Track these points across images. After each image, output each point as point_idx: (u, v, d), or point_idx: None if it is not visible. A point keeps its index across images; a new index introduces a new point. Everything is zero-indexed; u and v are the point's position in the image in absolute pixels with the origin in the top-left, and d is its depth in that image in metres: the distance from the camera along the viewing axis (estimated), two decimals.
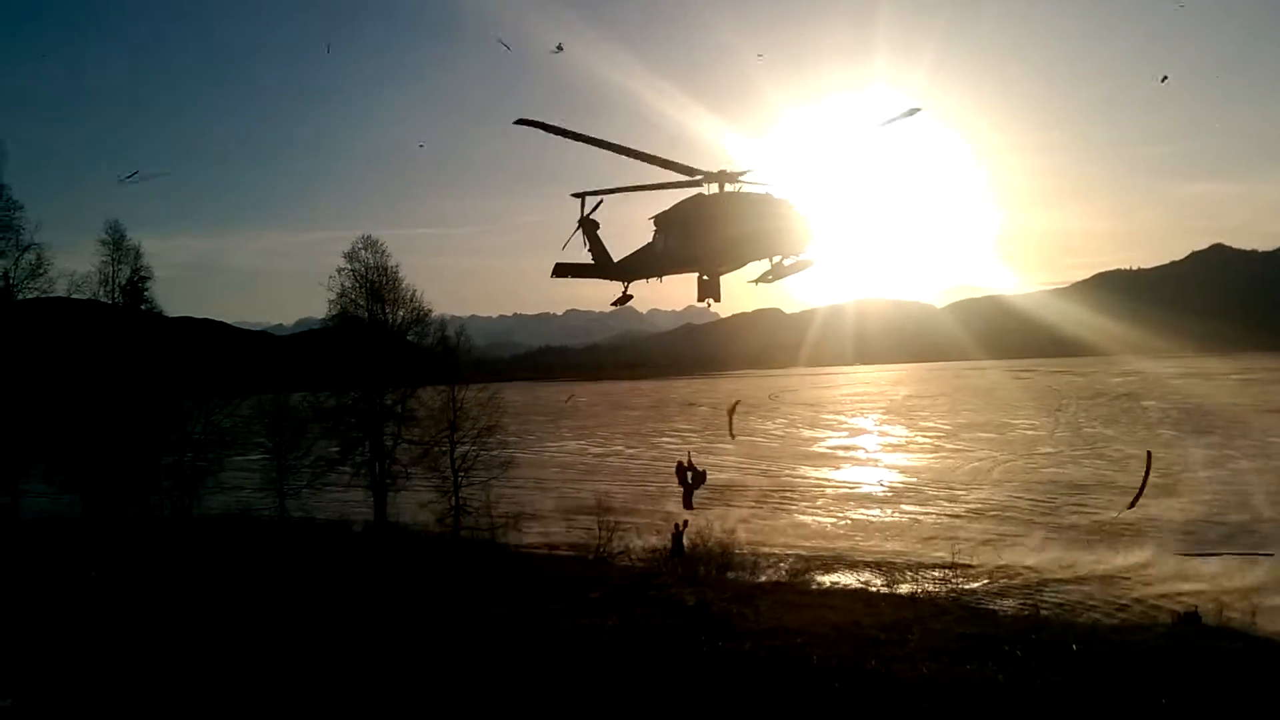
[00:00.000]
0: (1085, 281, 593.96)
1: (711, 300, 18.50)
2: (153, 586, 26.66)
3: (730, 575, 36.57)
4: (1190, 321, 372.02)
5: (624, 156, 16.73)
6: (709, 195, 17.73)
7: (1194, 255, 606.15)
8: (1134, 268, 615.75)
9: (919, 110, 15.94)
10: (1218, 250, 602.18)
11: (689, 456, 36.33)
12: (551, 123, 16.17)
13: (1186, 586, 36.54)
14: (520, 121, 15.97)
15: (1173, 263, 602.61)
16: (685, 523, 37.13)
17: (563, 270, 20.02)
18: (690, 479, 34.94)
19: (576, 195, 18.90)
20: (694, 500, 31.79)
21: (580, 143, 16.57)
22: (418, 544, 40.41)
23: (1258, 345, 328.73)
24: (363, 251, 47.51)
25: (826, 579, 38.98)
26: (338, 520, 47.89)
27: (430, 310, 49.33)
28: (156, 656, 18.82)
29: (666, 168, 17.25)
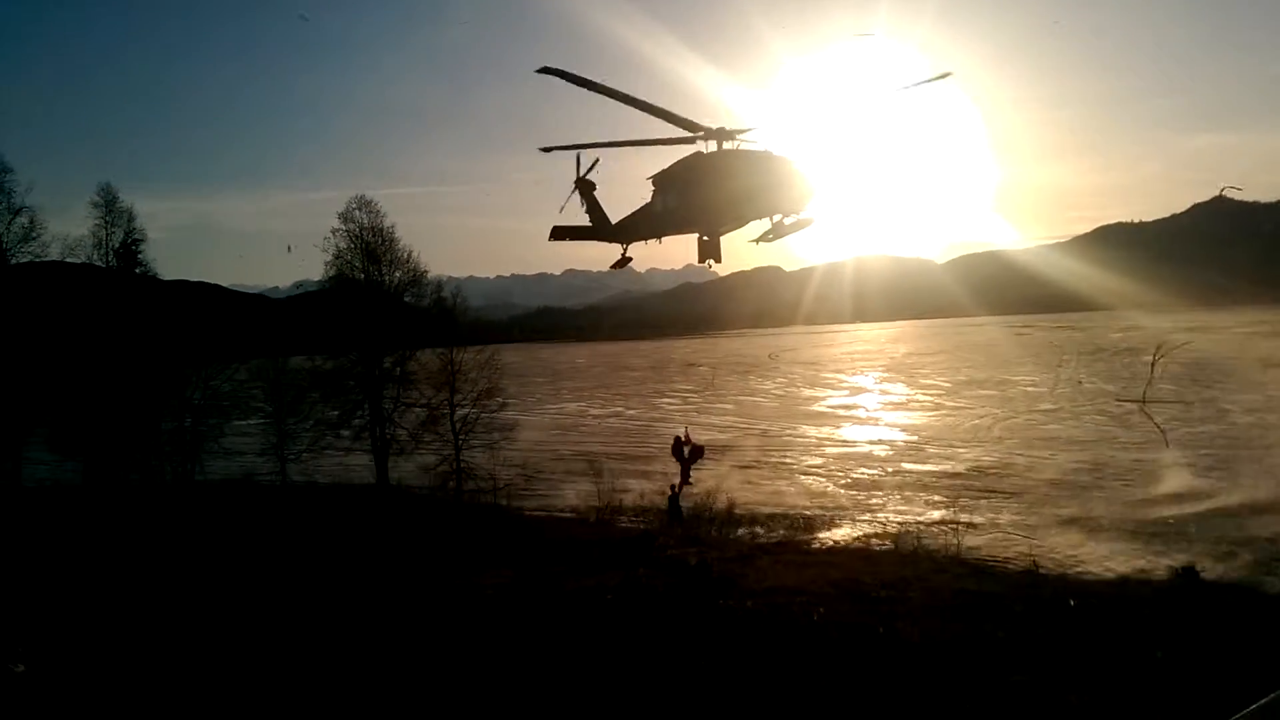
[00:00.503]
0: (1086, 235, 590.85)
1: (712, 261, 18.24)
2: (157, 553, 26.78)
3: (732, 535, 36.73)
4: (1192, 274, 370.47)
5: (627, 108, 16.36)
6: (708, 154, 17.38)
7: (1196, 207, 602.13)
8: (1135, 220, 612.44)
9: (949, 75, 15.61)
10: (1220, 202, 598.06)
11: (686, 431, 36.23)
12: (578, 74, 15.86)
13: (1188, 542, 36.71)
14: (543, 70, 15.53)
15: (1174, 215, 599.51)
16: (683, 485, 36.93)
17: (560, 233, 19.76)
18: (687, 454, 34.90)
19: (545, 150, 18.22)
20: (694, 467, 31.67)
21: (597, 93, 16.20)
22: (420, 507, 40.60)
23: (1260, 298, 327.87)
24: (357, 212, 47.19)
25: (828, 537, 39.10)
26: (339, 484, 48.06)
27: (427, 271, 49.18)
28: (161, 624, 18.93)
29: (671, 121, 16.86)
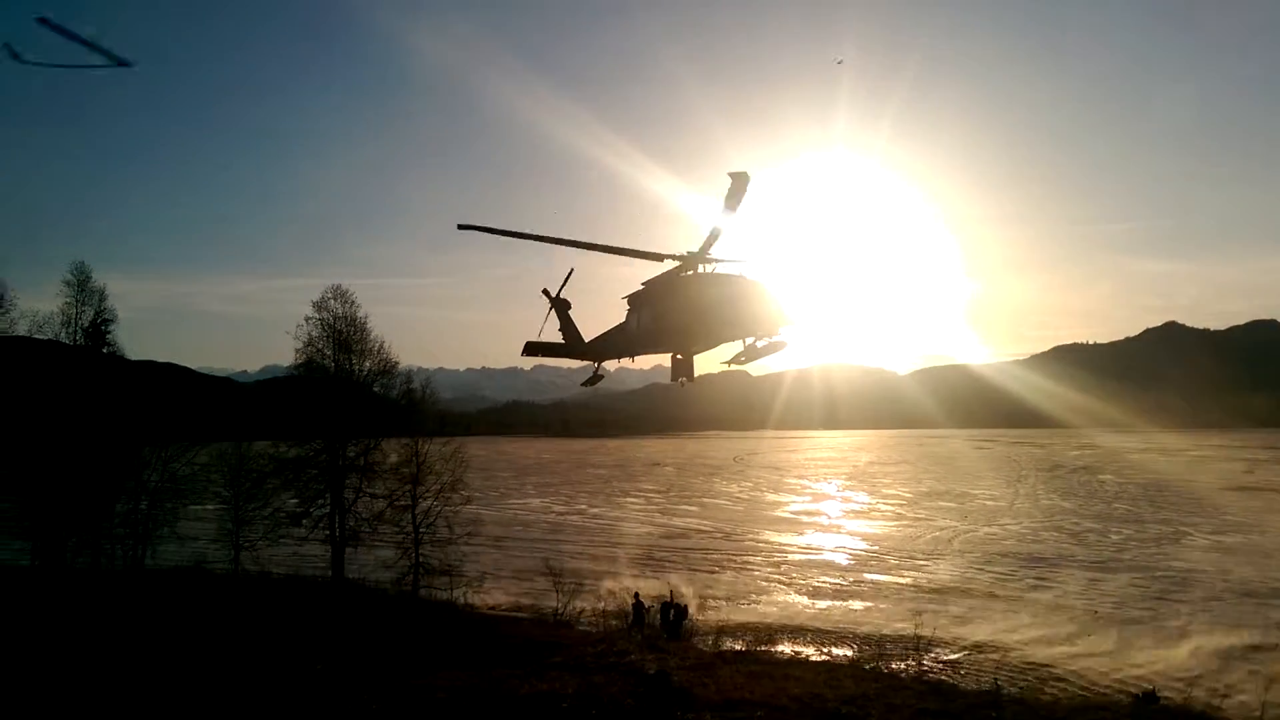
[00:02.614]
0: (1045, 353, 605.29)
1: (685, 380, 18.33)
2: (100, 643, 25.86)
3: (693, 642, 36.21)
4: (1146, 396, 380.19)
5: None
6: (682, 276, 17.64)
7: (1148, 331, 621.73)
8: (1091, 342, 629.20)
9: (840, 61, 16.05)
10: (1172, 328, 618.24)
11: (671, 593, 36.58)
12: (493, 226, 16.50)
13: (1143, 664, 36.84)
14: (462, 227, 16.23)
15: (1128, 339, 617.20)
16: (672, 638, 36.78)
17: (534, 349, 20.06)
18: (672, 615, 35.35)
19: (463, 227, 16.84)
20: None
21: (519, 239, 16.73)
22: (375, 603, 39.65)
23: (1210, 423, 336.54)
24: (332, 301, 47.36)
25: (788, 648, 38.69)
26: (294, 575, 46.83)
27: (397, 362, 49.11)
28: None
29: (627, 255, 17.22)
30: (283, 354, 48.21)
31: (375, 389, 48.78)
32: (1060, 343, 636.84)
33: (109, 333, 46.00)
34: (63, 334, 44.22)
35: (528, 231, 16.92)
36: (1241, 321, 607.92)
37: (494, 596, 48.67)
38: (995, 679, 32.29)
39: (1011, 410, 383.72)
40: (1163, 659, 37.46)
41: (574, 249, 17.25)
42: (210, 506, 50.45)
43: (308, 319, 46.83)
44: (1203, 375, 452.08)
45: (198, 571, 44.89)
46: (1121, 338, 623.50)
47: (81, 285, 44.97)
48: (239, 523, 46.48)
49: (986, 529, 79.77)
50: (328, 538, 45.26)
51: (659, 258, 17.48)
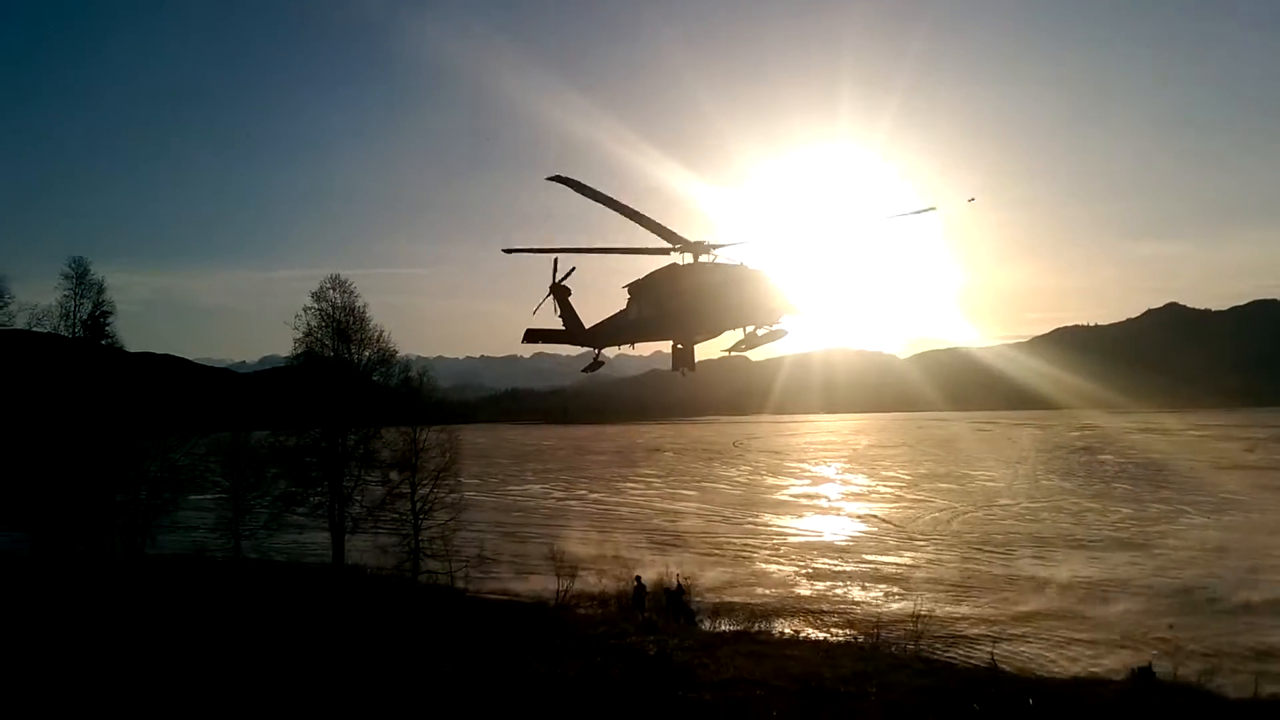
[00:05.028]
0: (1045, 336, 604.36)
1: (686, 370, 18.37)
2: (101, 628, 25.99)
3: (693, 623, 36.41)
4: (1146, 377, 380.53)
5: (609, 210, 16.70)
6: (684, 265, 17.67)
7: (1150, 313, 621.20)
8: (1092, 324, 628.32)
9: (933, 209, 16.30)
10: (1173, 309, 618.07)
11: (678, 579, 36.92)
12: (585, 183, 16.34)
13: (1142, 643, 37.08)
14: (554, 178, 16.09)
15: (1129, 320, 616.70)
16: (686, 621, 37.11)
17: (534, 336, 20.05)
18: (678, 600, 35.74)
19: (508, 251, 18.53)
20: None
21: (598, 202, 16.64)
22: (375, 588, 39.78)
23: (1210, 403, 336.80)
24: (331, 291, 47.33)
25: (787, 628, 38.91)
26: (294, 562, 47.02)
27: (396, 351, 49.12)
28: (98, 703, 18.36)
29: (656, 231, 17.19)
30: (282, 345, 48.25)
31: (375, 378, 48.85)
32: (1061, 325, 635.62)
33: (108, 325, 45.99)
34: (61, 327, 44.26)
35: (560, 247, 17.86)
36: (1243, 302, 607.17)
37: (494, 581, 48.91)
38: (992, 655, 32.54)
39: (1012, 393, 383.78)
40: (1156, 637, 37.69)
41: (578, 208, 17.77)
42: (210, 496, 50.59)
43: (307, 309, 46.87)
44: (1204, 356, 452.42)
45: (198, 559, 45.02)
46: (1123, 319, 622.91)
47: (80, 278, 44.96)
48: (238, 511, 46.62)
49: (985, 510, 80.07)
50: (328, 525, 45.45)
51: (665, 251, 17.59)
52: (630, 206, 16.59)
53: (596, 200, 16.45)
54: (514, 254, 18.74)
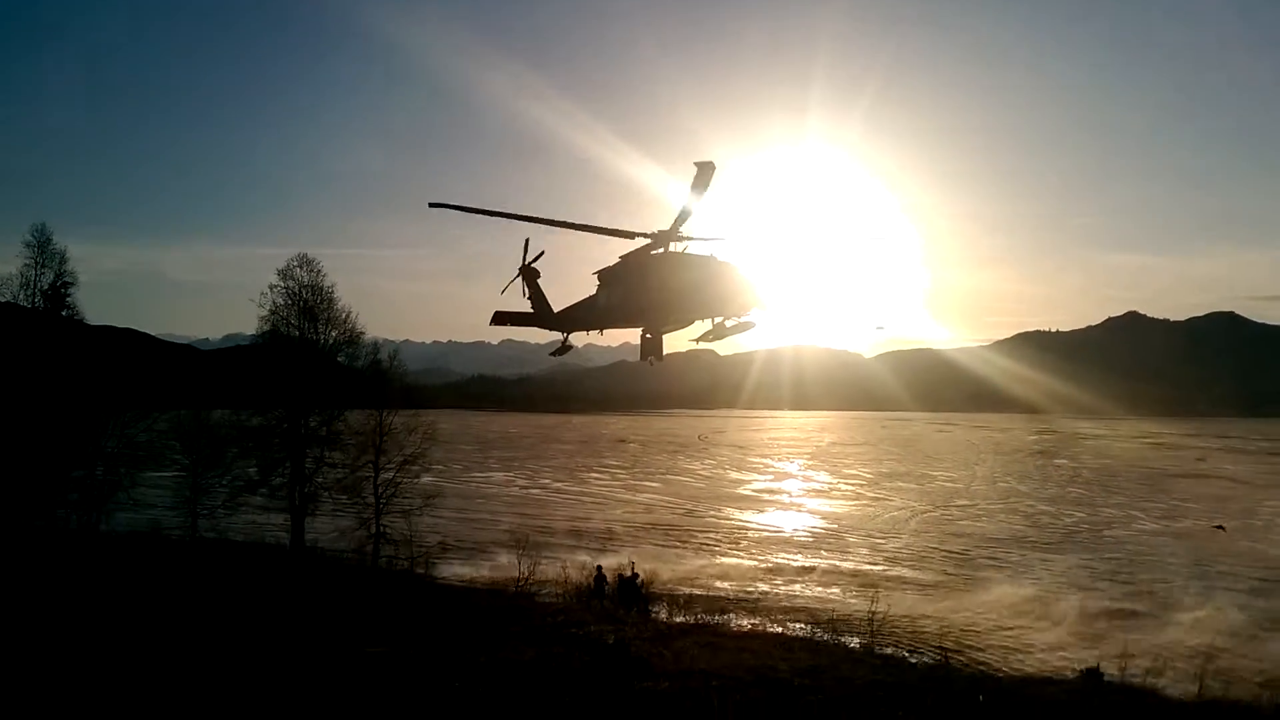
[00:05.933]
0: (1007, 340, 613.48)
1: (654, 359, 18.41)
2: (52, 601, 25.60)
3: (651, 614, 36.62)
4: (1104, 384, 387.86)
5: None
6: (654, 254, 17.74)
7: (1110, 320, 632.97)
8: (1054, 329, 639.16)
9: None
10: (1132, 317, 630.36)
11: (631, 567, 37.19)
12: (465, 205, 16.56)
13: (1091, 643, 37.88)
14: (434, 205, 16.24)
15: (1090, 327, 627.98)
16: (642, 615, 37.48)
17: (502, 318, 19.87)
18: (630, 587, 36.02)
19: (434, 205, 16.86)
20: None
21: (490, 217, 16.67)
22: (334, 571, 39.52)
23: (1167, 411, 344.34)
24: (298, 269, 46.73)
25: (745, 622, 39.23)
26: (252, 543, 46.48)
27: (363, 332, 48.58)
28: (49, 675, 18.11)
29: (600, 233, 17.24)
30: (246, 323, 47.60)
31: (340, 359, 48.35)
32: (1023, 330, 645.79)
33: (69, 296, 44.98)
34: (20, 296, 43.30)
35: (500, 210, 16.66)
36: (1201, 313, 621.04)
37: (454, 568, 48.78)
38: (944, 653, 33.10)
39: (975, 393, 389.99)
40: (1105, 638, 38.51)
41: (546, 228, 17.32)
42: (168, 473, 49.85)
43: (272, 287, 46.23)
44: (1161, 363, 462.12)
45: (153, 536, 44.35)
46: (1084, 326, 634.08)
47: (42, 247, 43.90)
48: (197, 490, 45.96)
49: (943, 510, 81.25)
50: (288, 506, 45.01)
51: (630, 235, 17.47)
52: (540, 216, 16.88)
53: (493, 216, 16.56)
54: (461, 216, 17.56)
